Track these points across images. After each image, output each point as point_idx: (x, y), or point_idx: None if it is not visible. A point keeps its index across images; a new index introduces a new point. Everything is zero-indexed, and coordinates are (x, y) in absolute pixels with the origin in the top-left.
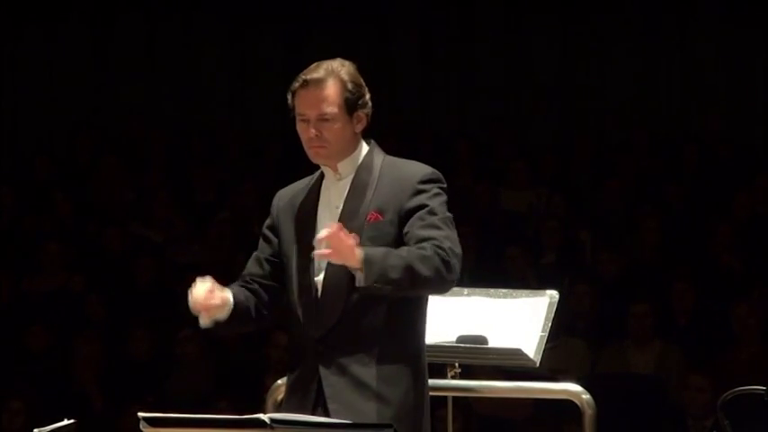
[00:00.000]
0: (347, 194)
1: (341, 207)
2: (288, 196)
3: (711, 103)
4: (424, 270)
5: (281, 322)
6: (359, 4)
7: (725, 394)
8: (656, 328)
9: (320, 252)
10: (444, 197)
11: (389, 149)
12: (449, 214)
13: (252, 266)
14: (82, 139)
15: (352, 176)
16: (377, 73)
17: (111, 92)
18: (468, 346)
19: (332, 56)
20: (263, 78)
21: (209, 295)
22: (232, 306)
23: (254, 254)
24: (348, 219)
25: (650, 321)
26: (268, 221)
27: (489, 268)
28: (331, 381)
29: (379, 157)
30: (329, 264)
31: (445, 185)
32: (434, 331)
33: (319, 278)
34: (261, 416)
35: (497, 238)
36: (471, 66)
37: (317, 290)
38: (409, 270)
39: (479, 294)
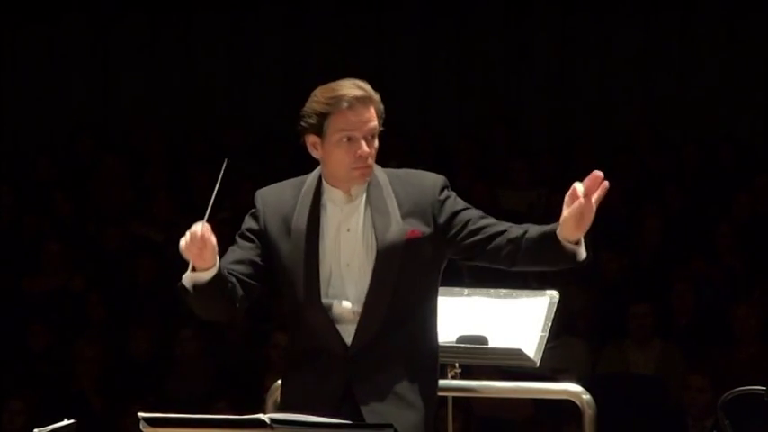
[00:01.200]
0: (372, 216)
1: (358, 230)
2: (273, 202)
3: (711, 103)
4: None
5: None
6: (358, 4)
7: (725, 394)
8: (656, 328)
9: (588, 203)
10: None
11: (389, 150)
12: None
13: (231, 258)
14: (82, 139)
15: (363, 197)
16: (376, 73)
17: (111, 92)
18: (468, 346)
19: (332, 55)
20: (264, 78)
21: (207, 232)
22: (217, 270)
23: (234, 249)
24: (384, 240)
25: (650, 321)
26: (253, 224)
27: (489, 268)
28: (362, 392)
29: (383, 174)
30: (372, 287)
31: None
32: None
33: (335, 302)
34: (261, 416)
35: None
36: (471, 66)
37: (331, 314)
38: None
39: (479, 294)
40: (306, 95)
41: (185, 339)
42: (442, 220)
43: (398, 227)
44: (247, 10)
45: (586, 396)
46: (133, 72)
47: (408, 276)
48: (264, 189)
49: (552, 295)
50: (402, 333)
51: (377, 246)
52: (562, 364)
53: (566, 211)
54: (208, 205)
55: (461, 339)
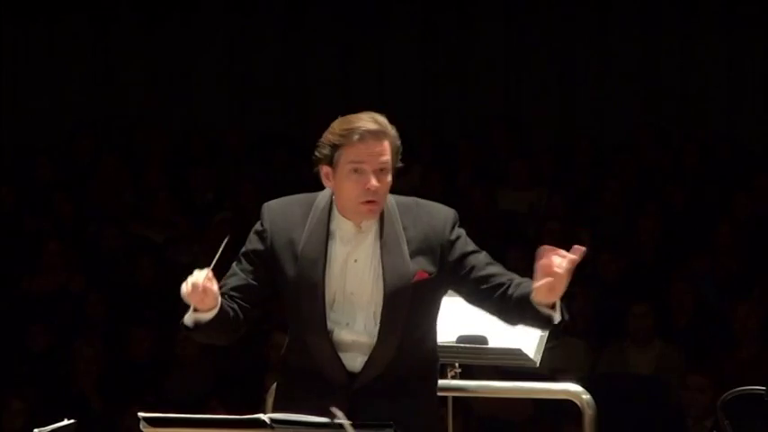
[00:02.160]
0: (381, 252)
1: (366, 262)
2: (281, 222)
3: (711, 103)
4: None
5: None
6: (358, 4)
7: (725, 394)
8: (656, 328)
9: (560, 271)
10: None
11: None
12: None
13: (233, 284)
14: (82, 139)
15: (374, 229)
16: (377, 73)
17: (111, 92)
18: (468, 346)
19: (332, 55)
20: (264, 79)
21: (208, 281)
22: (218, 309)
23: (236, 269)
24: (393, 278)
25: (650, 321)
26: (258, 245)
27: None
28: (363, 413)
29: (394, 206)
30: (383, 326)
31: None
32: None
33: (339, 332)
34: (261, 416)
35: (497, 238)
36: (471, 65)
37: (334, 343)
38: None
39: None
40: (306, 96)
41: (185, 339)
42: (450, 260)
43: (406, 268)
44: (247, 10)
45: (586, 396)
46: (133, 72)
47: (417, 313)
48: (272, 204)
49: None
50: (408, 364)
51: (384, 287)
52: (562, 364)
53: (537, 282)
54: (207, 205)
55: (461, 339)
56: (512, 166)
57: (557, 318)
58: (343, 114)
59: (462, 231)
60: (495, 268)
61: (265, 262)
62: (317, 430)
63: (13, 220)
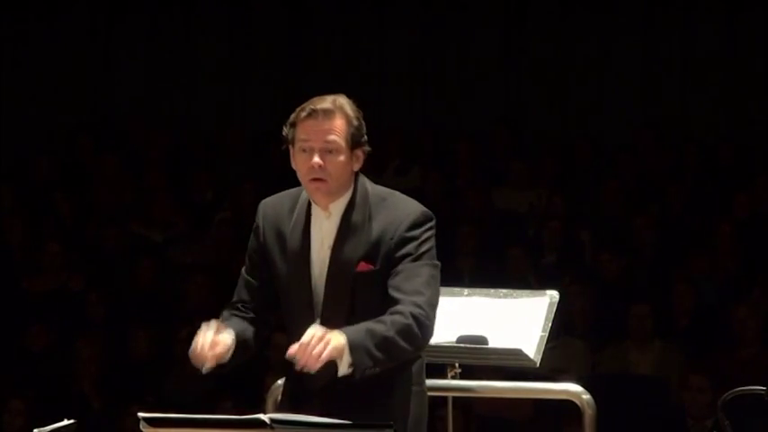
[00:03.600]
0: (336, 237)
1: (330, 250)
2: (272, 215)
3: (711, 103)
4: (405, 344)
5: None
6: (358, 4)
7: (725, 394)
8: (656, 329)
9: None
10: (432, 242)
11: (389, 151)
12: (436, 262)
13: (243, 293)
14: (82, 139)
15: (341, 215)
16: (377, 73)
17: (111, 92)
18: (468, 346)
19: (332, 55)
20: (264, 78)
21: (214, 345)
22: (233, 348)
23: (243, 275)
24: (337, 266)
25: (650, 321)
26: (254, 243)
27: (489, 268)
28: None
29: (368, 195)
30: (324, 311)
31: (434, 224)
32: (434, 331)
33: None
34: (261, 416)
35: (497, 238)
36: (471, 65)
37: None
38: (391, 349)
39: (479, 294)
40: (306, 96)
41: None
42: (395, 256)
43: (351, 256)
44: (247, 9)
45: (586, 396)
46: (133, 72)
47: (363, 306)
48: (266, 201)
49: (552, 295)
50: None
51: (327, 274)
52: (562, 364)
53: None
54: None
55: (461, 339)
56: (512, 166)
57: (341, 369)
58: None
59: (423, 235)
60: (406, 284)
61: (263, 257)
62: (317, 430)
63: (14, 220)
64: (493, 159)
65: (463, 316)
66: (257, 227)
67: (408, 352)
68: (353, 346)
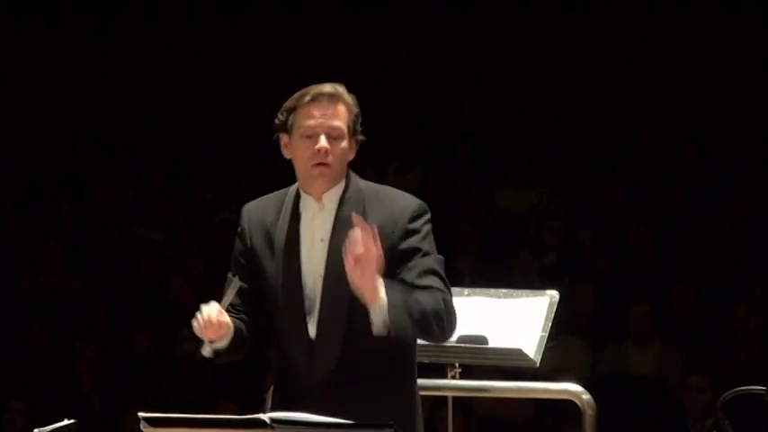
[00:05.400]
0: (332, 229)
1: (327, 241)
2: (257, 218)
3: (711, 103)
4: (436, 325)
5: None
6: (358, 4)
7: (725, 394)
8: (656, 328)
9: (351, 259)
10: (431, 234)
11: (389, 151)
12: (440, 256)
13: (233, 297)
14: (82, 139)
15: (335, 208)
16: (377, 72)
17: (111, 92)
18: (468, 346)
19: (332, 55)
20: (264, 78)
21: (220, 315)
22: (233, 333)
23: (230, 279)
24: (336, 256)
25: (650, 321)
26: (240, 246)
27: (489, 268)
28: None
29: (361, 188)
30: (322, 304)
31: (430, 215)
32: None
33: (312, 317)
34: (261, 416)
35: (497, 238)
36: (471, 65)
37: (308, 331)
38: (426, 323)
39: (479, 294)
40: None
41: (185, 339)
42: (398, 251)
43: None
44: (247, 10)
45: (586, 396)
46: (133, 72)
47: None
48: (250, 204)
49: (552, 295)
50: (368, 365)
51: (326, 266)
52: (562, 364)
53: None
54: (207, 205)
55: (461, 339)
56: (512, 166)
57: (375, 327)
58: None
59: (424, 227)
60: (426, 279)
61: (249, 261)
62: (317, 430)
63: (13, 220)
64: (493, 159)
65: (463, 316)
66: (242, 230)
67: (436, 334)
68: (392, 304)
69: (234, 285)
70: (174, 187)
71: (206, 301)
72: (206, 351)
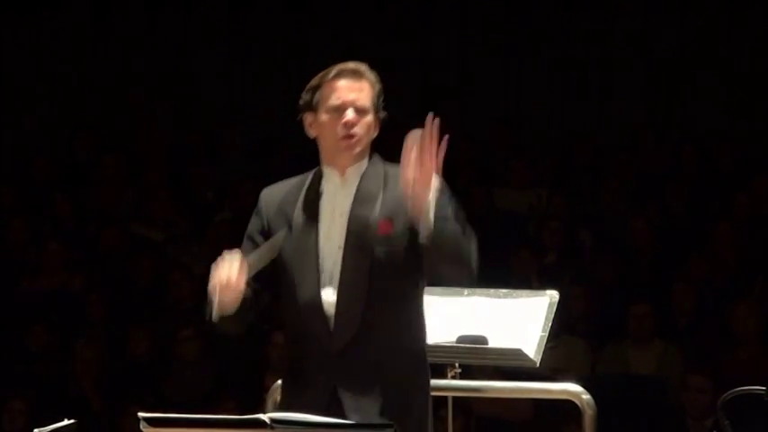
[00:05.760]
0: (353, 202)
1: (347, 214)
2: (277, 198)
3: (711, 104)
4: (466, 253)
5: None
6: (357, 4)
7: (725, 394)
8: (656, 328)
9: (409, 171)
10: (453, 205)
11: (389, 151)
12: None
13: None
14: (82, 139)
15: (357, 183)
16: (376, 72)
17: (111, 91)
18: (468, 346)
19: (332, 56)
20: (264, 78)
21: (240, 277)
22: (242, 301)
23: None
24: (356, 229)
25: (650, 321)
26: (257, 223)
27: (489, 268)
28: (348, 394)
29: (384, 166)
30: (342, 274)
31: (450, 193)
32: (434, 331)
33: (328, 291)
34: (261, 416)
35: (497, 238)
36: (471, 65)
37: (323, 303)
38: (459, 246)
39: (479, 294)
40: None
41: (185, 339)
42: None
43: (371, 219)
44: (247, 10)
45: (586, 396)
46: (133, 72)
47: (384, 273)
48: (269, 187)
49: (552, 295)
50: (385, 335)
51: (346, 237)
52: (562, 364)
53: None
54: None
55: (461, 339)
56: (512, 166)
57: (423, 229)
58: None
59: (443, 198)
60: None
61: (265, 238)
62: (317, 430)
63: (13, 220)
64: (493, 159)
65: (463, 316)
66: (259, 209)
67: (464, 264)
68: (438, 216)
69: (273, 244)
70: (174, 187)
71: (206, 300)
72: (216, 313)
